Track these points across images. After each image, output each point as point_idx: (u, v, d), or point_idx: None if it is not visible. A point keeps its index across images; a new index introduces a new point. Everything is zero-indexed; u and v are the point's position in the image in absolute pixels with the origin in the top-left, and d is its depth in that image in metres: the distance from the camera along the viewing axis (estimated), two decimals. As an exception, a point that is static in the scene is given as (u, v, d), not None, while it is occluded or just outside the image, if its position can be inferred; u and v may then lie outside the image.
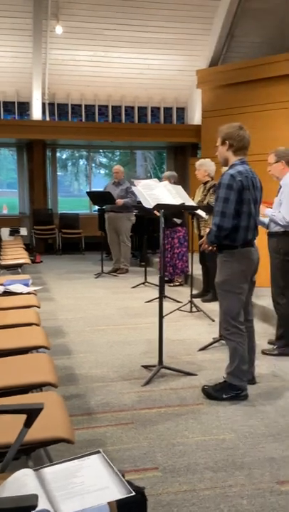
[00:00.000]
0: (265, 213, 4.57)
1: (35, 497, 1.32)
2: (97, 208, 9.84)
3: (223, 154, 3.74)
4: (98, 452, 1.66)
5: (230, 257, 3.67)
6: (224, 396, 3.67)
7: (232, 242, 3.63)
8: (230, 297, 3.68)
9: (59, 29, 10.34)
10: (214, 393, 3.70)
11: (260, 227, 4.70)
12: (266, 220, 4.65)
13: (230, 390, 3.68)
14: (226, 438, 3.12)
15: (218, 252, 3.75)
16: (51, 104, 11.99)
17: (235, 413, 3.46)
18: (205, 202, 6.50)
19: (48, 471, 1.57)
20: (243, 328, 3.71)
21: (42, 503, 1.38)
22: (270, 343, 4.87)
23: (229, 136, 3.66)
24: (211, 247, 3.80)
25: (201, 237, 6.37)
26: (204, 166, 6.75)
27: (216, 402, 3.63)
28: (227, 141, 3.67)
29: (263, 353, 4.63)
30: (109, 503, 1.45)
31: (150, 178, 15.21)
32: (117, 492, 1.46)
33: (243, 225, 3.60)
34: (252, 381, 3.92)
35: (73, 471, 1.57)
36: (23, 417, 1.82)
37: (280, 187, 4.62)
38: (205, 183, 6.78)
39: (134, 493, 1.46)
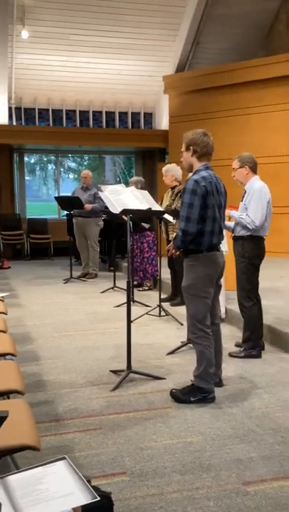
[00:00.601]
0: (232, 215, 4.63)
1: (-2, 505, 1.32)
2: (65, 212, 9.81)
3: (188, 160, 3.80)
4: (64, 458, 1.67)
5: (195, 261, 3.72)
6: (192, 399, 3.70)
7: (197, 246, 3.68)
8: (197, 301, 3.72)
9: (25, 33, 10.29)
10: (182, 396, 3.74)
11: (226, 232, 4.78)
12: (232, 224, 4.72)
13: (197, 393, 3.72)
14: (194, 441, 3.15)
15: (184, 256, 3.80)
16: (18, 109, 11.91)
17: (202, 416, 3.50)
18: (173, 206, 6.54)
19: (13, 479, 1.57)
20: (209, 332, 3.75)
21: (6, 511, 1.38)
22: (237, 345, 4.94)
23: (193, 142, 3.73)
24: (178, 252, 3.84)
25: (169, 241, 6.42)
26: (171, 172, 6.80)
27: (184, 405, 3.66)
28: (191, 147, 3.74)
29: (230, 355, 4.69)
30: (74, 508, 1.46)
31: (119, 182, 15.25)
32: (82, 498, 1.47)
33: (207, 230, 3.65)
34: (219, 384, 3.97)
35: (38, 477, 1.57)
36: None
37: (245, 192, 4.70)
38: (173, 188, 6.83)
39: (99, 498, 1.47)
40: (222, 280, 4.11)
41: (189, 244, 3.68)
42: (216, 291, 3.88)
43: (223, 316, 5.64)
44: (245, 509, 2.47)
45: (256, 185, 4.60)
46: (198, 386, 3.73)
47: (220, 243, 3.82)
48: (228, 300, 5.96)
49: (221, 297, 4.97)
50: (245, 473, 2.78)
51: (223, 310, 5.72)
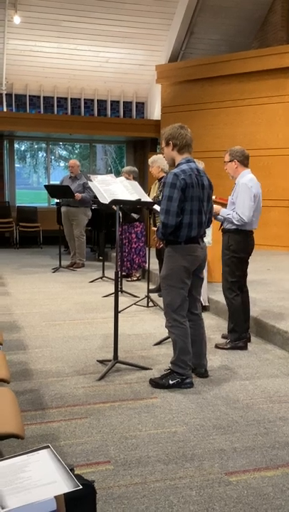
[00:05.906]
0: (221, 213, 4.64)
1: (-20, 493, 1.32)
2: (55, 201, 9.76)
3: (170, 155, 3.87)
4: (47, 447, 1.68)
5: (173, 252, 3.80)
6: (170, 382, 3.80)
7: (175, 238, 3.76)
8: (172, 291, 3.81)
9: (17, 19, 10.17)
10: (160, 381, 3.84)
11: (213, 223, 4.80)
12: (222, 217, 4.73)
13: (175, 375, 3.82)
14: (178, 431, 3.18)
15: (165, 246, 3.89)
16: (9, 95, 11.81)
17: (187, 406, 3.53)
18: (161, 197, 6.53)
19: (-4, 467, 1.58)
20: (183, 322, 3.83)
21: (-12, 499, 1.38)
22: (223, 337, 4.97)
23: (172, 137, 3.79)
24: (162, 244, 3.91)
25: (158, 232, 6.42)
26: (157, 163, 6.76)
27: (169, 395, 3.69)
28: (171, 142, 3.81)
29: (216, 347, 4.73)
30: (55, 497, 1.47)
31: (110, 172, 15.19)
32: (64, 486, 1.48)
33: (185, 223, 3.71)
34: (204, 374, 4.01)
35: (21, 466, 1.58)
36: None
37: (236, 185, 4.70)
38: (160, 179, 6.81)
39: (81, 487, 1.48)
40: (205, 271, 4.16)
41: (169, 235, 3.74)
42: (198, 283, 3.95)
43: (205, 303, 5.71)
44: (227, 499, 2.50)
45: (243, 180, 4.60)
46: (174, 371, 3.84)
47: (201, 236, 3.85)
48: (215, 292, 5.99)
49: (204, 286, 5.04)
50: (228, 464, 2.81)
51: (205, 298, 5.79)
